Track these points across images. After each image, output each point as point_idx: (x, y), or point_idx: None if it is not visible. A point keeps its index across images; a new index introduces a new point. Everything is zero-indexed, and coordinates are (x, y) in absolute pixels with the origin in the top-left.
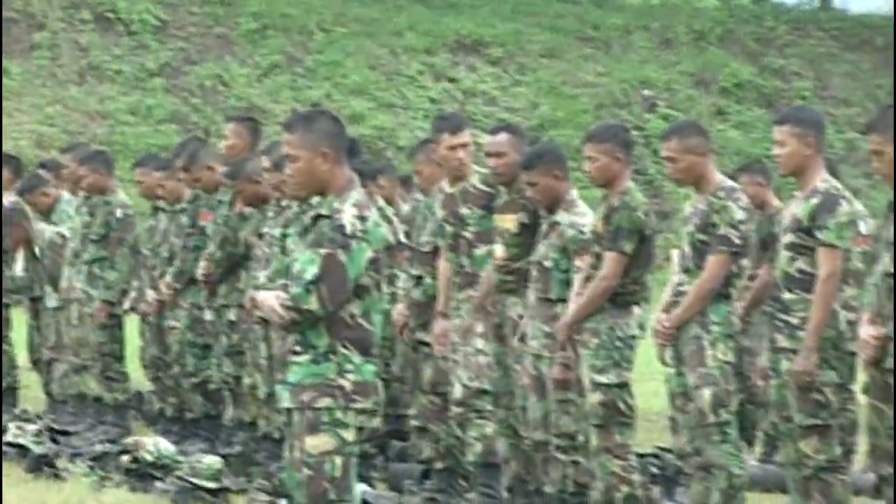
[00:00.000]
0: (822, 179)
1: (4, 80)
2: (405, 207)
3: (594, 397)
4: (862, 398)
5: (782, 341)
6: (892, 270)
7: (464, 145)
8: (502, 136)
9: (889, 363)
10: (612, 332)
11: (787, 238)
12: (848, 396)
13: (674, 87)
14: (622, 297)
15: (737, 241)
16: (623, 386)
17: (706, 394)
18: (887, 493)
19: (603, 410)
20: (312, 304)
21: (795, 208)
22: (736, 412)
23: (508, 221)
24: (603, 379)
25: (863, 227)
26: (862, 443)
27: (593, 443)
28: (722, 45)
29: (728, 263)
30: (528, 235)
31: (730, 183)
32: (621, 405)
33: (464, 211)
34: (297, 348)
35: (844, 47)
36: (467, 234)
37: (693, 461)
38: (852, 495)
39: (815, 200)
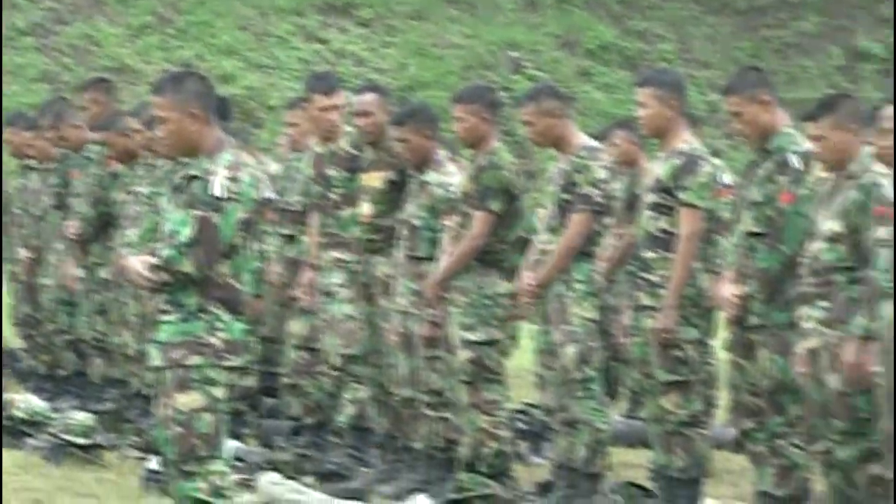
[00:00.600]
0: (683, 140)
1: None
2: (273, 167)
3: (463, 354)
4: (723, 354)
5: (644, 299)
6: (753, 230)
7: (336, 107)
8: (369, 96)
9: (750, 321)
10: (481, 291)
11: (650, 198)
12: (706, 351)
13: (539, 48)
14: (490, 255)
15: (598, 199)
16: (491, 343)
17: (570, 351)
18: (748, 447)
19: (471, 367)
20: (187, 266)
21: (658, 169)
22: (600, 369)
23: (375, 179)
24: (471, 336)
25: (725, 179)
26: (723, 398)
27: (462, 399)
28: (587, 7)
29: (590, 222)
30: (395, 193)
31: (592, 143)
32: (489, 362)
33: (331, 172)
34: (167, 307)
35: (706, 10)
36: (333, 196)
37: (558, 417)
38: (714, 449)
39: (676, 161)
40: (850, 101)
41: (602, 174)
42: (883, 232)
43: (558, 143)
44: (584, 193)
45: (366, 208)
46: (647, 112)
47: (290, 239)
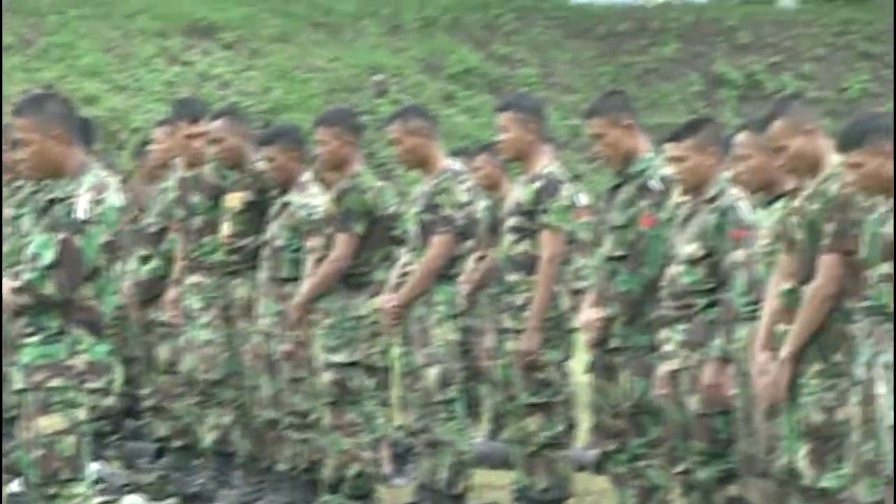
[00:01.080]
0: (543, 164)
1: None
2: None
3: (326, 376)
4: (585, 377)
5: (507, 322)
6: (615, 254)
7: (202, 134)
8: (218, 122)
9: (612, 343)
10: (344, 312)
11: (511, 221)
12: (566, 372)
13: (404, 72)
14: (354, 277)
15: (460, 222)
16: (354, 365)
17: (432, 372)
18: (609, 468)
19: (335, 389)
20: (49, 288)
21: (519, 192)
22: (462, 390)
23: (235, 200)
24: (335, 358)
25: (582, 200)
26: (585, 420)
27: (325, 421)
28: (450, 31)
29: (451, 244)
30: (255, 214)
31: (456, 166)
32: (352, 384)
33: (194, 199)
34: (29, 330)
35: (568, 35)
36: (196, 223)
37: (421, 438)
38: (575, 471)
39: (537, 184)
40: (711, 125)
41: (464, 197)
42: (740, 255)
43: (424, 163)
44: (447, 215)
45: (225, 228)
46: (508, 136)
47: (146, 259)
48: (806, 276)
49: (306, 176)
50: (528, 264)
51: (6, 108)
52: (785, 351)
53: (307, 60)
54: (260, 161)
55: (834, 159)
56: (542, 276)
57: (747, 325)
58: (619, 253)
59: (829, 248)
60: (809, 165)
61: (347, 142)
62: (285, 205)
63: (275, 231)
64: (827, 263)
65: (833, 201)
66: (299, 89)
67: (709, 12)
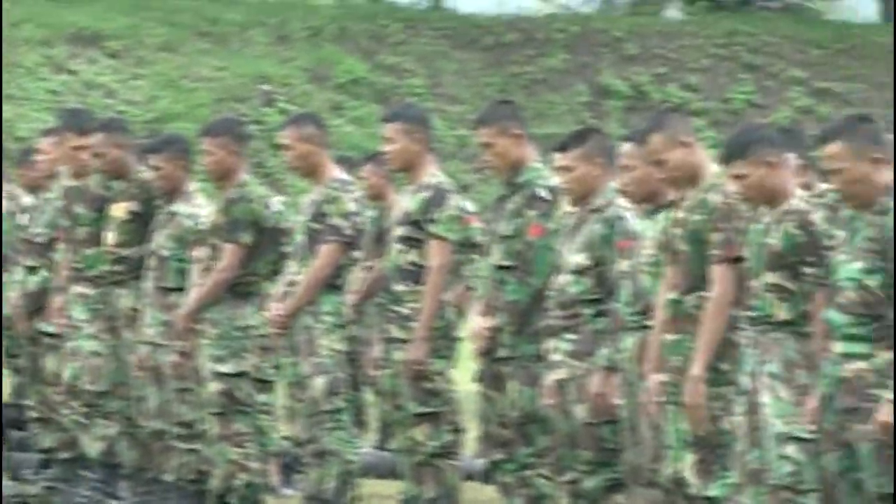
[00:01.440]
0: (430, 174)
1: None
2: (26, 199)
3: (213, 386)
4: (473, 386)
5: (394, 332)
6: (503, 263)
7: (89, 147)
8: (96, 137)
9: (499, 353)
10: (232, 322)
11: (399, 231)
12: (451, 380)
13: (291, 82)
14: (241, 287)
15: (348, 231)
16: (241, 375)
17: (319, 382)
18: (497, 478)
19: (222, 399)
20: None
21: (406, 202)
22: (349, 400)
23: (119, 210)
24: (222, 368)
25: (469, 207)
26: (473, 429)
27: (212, 431)
28: (337, 41)
29: (339, 253)
30: (139, 224)
31: (345, 176)
32: (240, 394)
33: (79, 210)
34: None
35: (454, 46)
36: (80, 233)
37: (308, 448)
38: (463, 480)
39: (424, 194)
40: (599, 136)
41: (352, 207)
42: (625, 265)
43: (314, 171)
44: (334, 224)
45: (109, 237)
46: (394, 147)
47: (33, 270)
48: (689, 286)
49: (192, 185)
50: (415, 274)
51: None
52: (695, 369)
53: (193, 70)
54: (145, 170)
55: (713, 169)
56: (429, 286)
57: (633, 334)
58: (506, 263)
59: (718, 257)
60: (689, 177)
61: (233, 151)
62: (171, 214)
63: (160, 241)
64: (720, 273)
65: (716, 212)
66: (186, 98)
67: (595, 23)
